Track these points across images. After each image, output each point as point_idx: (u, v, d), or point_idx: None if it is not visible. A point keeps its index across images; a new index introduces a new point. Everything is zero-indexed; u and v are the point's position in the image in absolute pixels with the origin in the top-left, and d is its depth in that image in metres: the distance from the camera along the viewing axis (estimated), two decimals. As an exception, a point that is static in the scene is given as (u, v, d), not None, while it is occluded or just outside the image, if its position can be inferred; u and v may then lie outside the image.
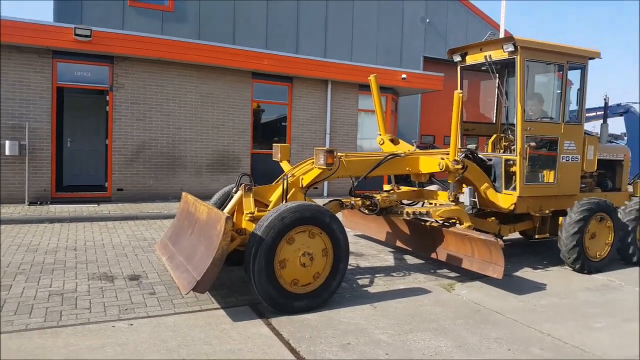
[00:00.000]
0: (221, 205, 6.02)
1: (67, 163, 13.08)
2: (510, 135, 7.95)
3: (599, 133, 8.80)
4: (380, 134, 7.83)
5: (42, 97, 10.98)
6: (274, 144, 6.85)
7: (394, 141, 7.73)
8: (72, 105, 13.20)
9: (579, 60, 7.44)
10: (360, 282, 6.20)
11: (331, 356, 4.01)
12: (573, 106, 8.05)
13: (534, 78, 7.63)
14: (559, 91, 7.56)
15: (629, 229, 7.48)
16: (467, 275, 6.58)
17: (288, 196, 5.78)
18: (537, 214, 7.28)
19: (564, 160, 7.29)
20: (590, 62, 7.57)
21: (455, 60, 8.01)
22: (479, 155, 7.37)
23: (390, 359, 4.02)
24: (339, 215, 6.71)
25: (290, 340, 4.29)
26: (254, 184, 5.90)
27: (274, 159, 6.80)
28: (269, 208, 5.67)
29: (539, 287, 6.30)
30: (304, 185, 6.01)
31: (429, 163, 6.73)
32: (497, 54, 7.23)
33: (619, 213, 7.49)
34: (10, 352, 3.82)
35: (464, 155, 7.03)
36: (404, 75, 15.62)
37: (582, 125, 7.61)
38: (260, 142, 13.96)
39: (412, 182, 7.47)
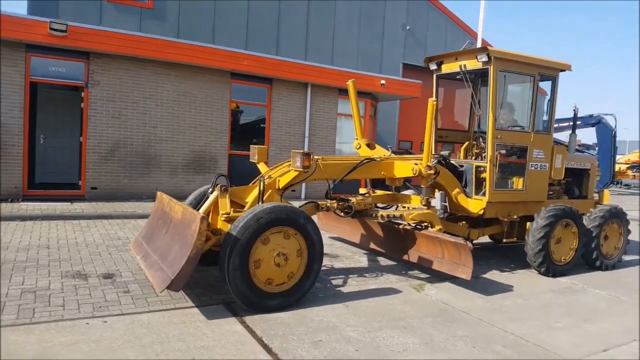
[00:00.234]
0: (197, 205, 6.07)
1: (39, 160, 12.89)
2: (481, 143, 8.18)
3: (568, 142, 9.10)
4: (357, 139, 7.97)
5: (14, 91, 10.82)
6: (251, 146, 6.92)
7: (370, 146, 7.88)
8: (46, 101, 13.02)
9: (550, 72, 7.71)
10: (334, 282, 6.32)
11: (303, 352, 4.12)
12: (545, 116, 8.33)
13: (507, 88, 7.87)
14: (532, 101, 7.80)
15: (593, 235, 7.75)
16: (437, 277, 6.76)
17: (264, 197, 5.86)
18: (506, 219, 7.53)
19: (532, 168, 7.54)
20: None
21: (432, 68, 8.22)
22: (451, 162, 7.58)
23: (360, 354, 4.15)
24: (315, 217, 6.82)
25: (263, 337, 4.38)
26: (231, 184, 5.97)
27: (251, 161, 6.87)
28: (245, 209, 5.74)
29: (505, 288, 6.51)
30: (281, 187, 6.11)
31: (403, 168, 6.90)
32: (472, 64, 7.44)
33: (584, 220, 7.77)
34: (-17, 347, 3.83)
35: (436, 161, 7.22)
36: (383, 81, 15.85)
37: (552, 134, 7.88)
38: (238, 143, 13.96)
39: (389, 186, 7.64)
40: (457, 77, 7.88)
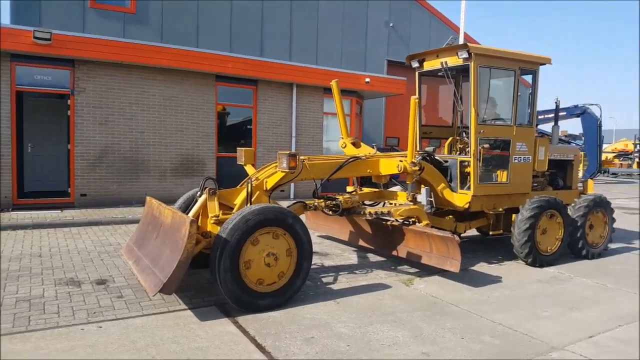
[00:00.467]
0: (186, 209, 6.14)
1: (28, 169, 12.86)
2: (465, 138, 8.31)
3: (551, 134, 9.27)
4: (342, 138, 8.07)
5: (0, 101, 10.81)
6: (237, 148, 6.99)
7: (355, 144, 7.98)
8: (32, 109, 13.00)
9: (530, 66, 7.85)
10: (324, 280, 6.42)
11: (295, 349, 4.21)
12: (528, 109, 8.47)
13: (489, 82, 8.00)
14: (519, 95, 7.94)
15: (578, 224, 7.90)
16: (426, 271, 6.88)
17: (252, 199, 5.95)
18: (491, 212, 7.67)
19: (516, 161, 7.68)
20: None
21: (414, 66, 8.34)
22: (436, 157, 7.71)
23: (351, 349, 4.25)
24: (303, 216, 6.91)
25: (256, 336, 4.47)
26: (219, 187, 6.05)
27: (238, 163, 6.94)
28: (233, 211, 5.82)
29: (493, 280, 6.65)
30: (268, 188, 6.19)
31: (389, 165, 7.02)
32: (453, 61, 7.57)
33: (568, 210, 7.92)
34: (-21, 357, 3.88)
35: (421, 157, 7.34)
36: (367, 79, 15.96)
37: (534, 127, 8.02)
38: (225, 145, 14.02)
39: (377, 184, 7.75)
40: (439, 74, 8.00)
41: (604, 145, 31.79)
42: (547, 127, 19.57)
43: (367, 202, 7.61)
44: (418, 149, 7.94)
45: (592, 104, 20.31)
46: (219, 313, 5.04)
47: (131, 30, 16.19)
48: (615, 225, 8.67)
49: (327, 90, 15.19)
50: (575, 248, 8.00)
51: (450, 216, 7.83)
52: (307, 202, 6.73)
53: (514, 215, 7.48)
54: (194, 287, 5.86)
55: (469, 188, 7.35)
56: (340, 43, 21.21)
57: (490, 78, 7.86)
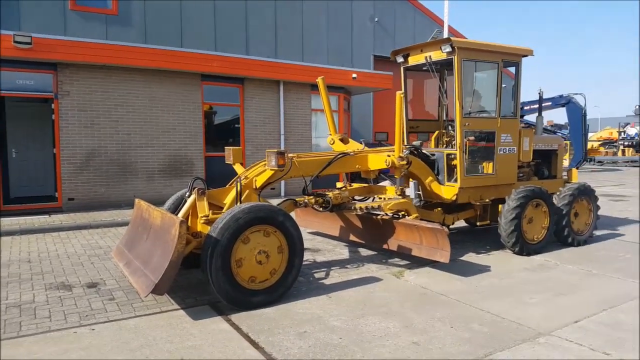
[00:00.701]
0: (175, 210, 6.15)
1: (13, 175, 12.79)
2: (451, 131, 8.39)
3: (535, 125, 9.39)
4: (330, 134, 8.11)
5: (-17, 107, 10.72)
6: (225, 147, 7.01)
7: (344, 140, 8.03)
8: (16, 115, 12.92)
9: (513, 58, 7.94)
10: (316, 275, 6.48)
11: (289, 344, 4.27)
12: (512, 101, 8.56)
13: (473, 75, 8.08)
14: (503, 86, 8.02)
15: (564, 212, 8.01)
16: (416, 263, 6.96)
17: (242, 198, 5.98)
18: (478, 203, 7.77)
19: (501, 152, 7.78)
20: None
21: (399, 61, 8.40)
22: (423, 151, 7.79)
23: (343, 341, 4.32)
24: (293, 214, 6.95)
25: (250, 333, 4.51)
26: (208, 187, 6.07)
27: (226, 162, 6.96)
28: (223, 210, 5.85)
29: (481, 269, 6.75)
30: (258, 187, 6.23)
31: (377, 160, 7.09)
32: (437, 55, 7.64)
33: (553, 199, 8.04)
34: (-27, 363, 3.89)
35: (408, 151, 7.41)
36: (354, 75, 16.01)
37: (518, 118, 8.12)
38: (214, 145, 14.00)
39: (366, 179, 7.82)
40: (424, 68, 8.07)
41: (589, 134, 32.12)
42: (533, 118, 19.78)
43: (357, 198, 7.68)
44: (405, 143, 8.02)
45: (577, 94, 20.55)
46: (212, 312, 5.08)
47: (114, 32, 16.07)
48: (600, 212, 8.81)
49: (315, 87, 15.12)
50: (561, 236, 8.11)
51: (439, 208, 7.91)
52: (297, 199, 6.77)
53: (500, 206, 7.58)
54: (185, 287, 5.88)
55: (456, 180, 7.44)
56: (326, 39, 21.23)
57: (475, 71, 7.95)
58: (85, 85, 11.86)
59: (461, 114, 7.28)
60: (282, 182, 14.09)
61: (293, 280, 5.54)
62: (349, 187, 7.61)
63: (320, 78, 7.84)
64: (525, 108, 20.73)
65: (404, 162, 6.87)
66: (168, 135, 13.08)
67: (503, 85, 7.82)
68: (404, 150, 7.18)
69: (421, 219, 6.96)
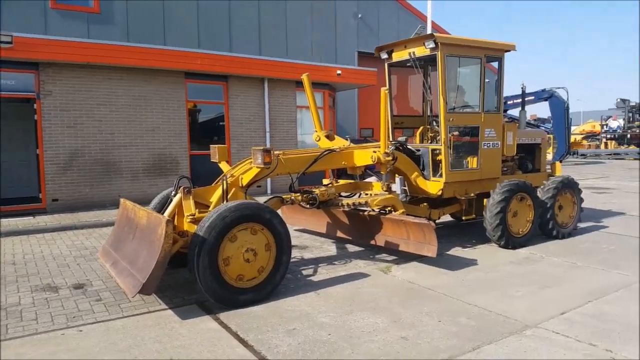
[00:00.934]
0: (161, 209, 6.12)
1: (-5, 176, 12.59)
2: (435, 127, 8.45)
3: (519, 119, 9.48)
4: (316, 131, 8.12)
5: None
6: (211, 146, 6.98)
7: (329, 137, 8.04)
8: (-3, 115, 12.70)
9: (496, 53, 8.01)
10: (304, 272, 6.49)
11: (278, 341, 4.28)
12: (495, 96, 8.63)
13: (457, 71, 8.14)
14: (487, 81, 8.08)
15: (548, 205, 8.10)
16: (404, 258, 7.01)
17: (228, 196, 5.97)
18: (464, 198, 7.84)
19: (485, 147, 7.85)
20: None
21: (383, 57, 8.42)
22: (408, 147, 7.83)
23: (332, 337, 4.34)
24: (280, 211, 6.95)
25: (239, 331, 4.52)
26: (194, 185, 6.04)
27: (212, 160, 6.94)
28: (210, 209, 5.83)
29: (467, 263, 6.81)
30: (244, 185, 6.22)
31: (363, 156, 7.11)
32: (420, 51, 7.68)
33: (538, 192, 8.13)
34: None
35: (394, 147, 7.45)
36: (339, 71, 16.02)
37: (501, 113, 8.19)
38: (199, 143, 13.92)
39: (353, 175, 7.85)
40: (408, 64, 8.11)
41: (572, 128, 32.49)
42: (516, 112, 19.98)
43: (343, 194, 7.69)
44: (391, 139, 8.06)
45: (559, 88, 20.76)
46: (200, 311, 5.07)
47: (96, 31, 15.87)
48: (583, 205, 8.91)
49: (300, 84, 15.13)
50: (545, 229, 8.20)
51: (425, 203, 7.97)
52: (284, 196, 6.77)
53: (485, 200, 7.65)
54: (173, 286, 5.86)
55: (441, 175, 7.50)
56: (310, 36, 21.20)
57: (458, 66, 8.01)
58: (68, 84, 11.72)
59: (445, 110, 7.33)
60: (268, 180, 14.05)
61: (281, 278, 5.54)
62: (335, 184, 7.64)
63: (305, 75, 7.84)
64: (509, 102, 20.91)
65: (390, 157, 6.91)
66: (152, 134, 12.98)
67: (486, 80, 7.89)
68: (390, 146, 7.23)
69: (408, 214, 7.01)
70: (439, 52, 7.27)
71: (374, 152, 6.93)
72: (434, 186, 7.56)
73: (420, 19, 23.92)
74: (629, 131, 40.07)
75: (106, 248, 6.32)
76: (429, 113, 9.03)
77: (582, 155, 35.39)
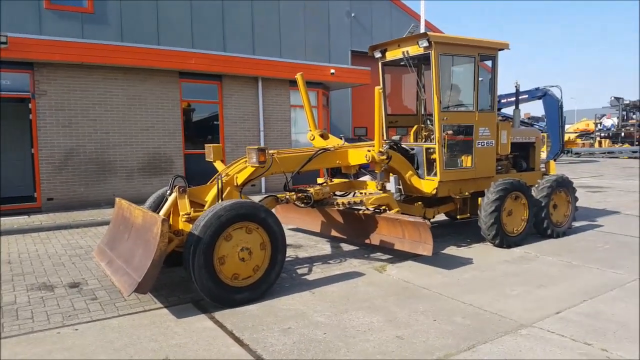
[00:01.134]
0: (156, 208, 6.12)
1: (-10, 175, 12.52)
2: (429, 125, 8.47)
3: (513, 117, 9.51)
4: (310, 130, 8.13)
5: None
6: (206, 145, 6.98)
7: (323, 136, 8.06)
8: (-8, 115, 12.64)
9: (489, 51, 8.03)
10: (299, 271, 6.50)
11: (273, 340, 4.29)
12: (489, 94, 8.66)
13: (450, 70, 8.16)
14: (480, 80, 8.11)
15: (542, 204, 8.12)
16: (398, 257, 7.03)
17: (223, 195, 5.97)
18: (458, 196, 7.86)
19: (479, 146, 7.88)
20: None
21: (376, 56, 8.44)
22: (403, 146, 7.86)
23: (327, 337, 4.35)
24: (274, 210, 6.96)
25: (234, 330, 4.53)
26: (189, 185, 6.05)
27: (207, 160, 6.94)
28: (205, 208, 5.83)
29: (462, 262, 6.83)
30: (239, 184, 6.23)
31: (357, 155, 7.13)
32: (414, 50, 7.69)
33: (532, 191, 8.16)
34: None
35: (388, 146, 7.47)
36: (332, 70, 16.03)
37: (495, 112, 8.22)
38: (193, 142, 13.92)
39: (347, 174, 7.86)
40: (402, 63, 8.13)
41: (566, 126, 32.64)
42: (510, 111, 20.07)
43: (338, 193, 7.71)
44: (385, 138, 8.08)
45: (553, 86, 20.86)
46: (195, 310, 5.08)
47: (90, 31, 15.82)
48: (578, 203, 8.94)
49: (293, 83, 15.20)
50: (540, 228, 8.22)
51: (419, 202, 7.99)
52: (278, 195, 6.79)
53: (480, 199, 7.67)
54: (168, 285, 5.86)
55: (435, 174, 7.52)
56: (304, 35, 21.18)
57: (452, 65, 8.03)
58: (63, 84, 11.70)
59: (439, 108, 7.36)
60: (263, 179, 14.06)
61: (276, 277, 5.56)
62: (329, 183, 7.65)
63: (299, 74, 7.85)
64: (503, 101, 20.99)
65: (384, 156, 6.93)
66: (147, 134, 12.96)
67: (480, 79, 7.91)
68: (384, 145, 7.24)
69: (402, 213, 7.03)
70: (433, 51, 7.29)
71: (369, 151, 6.95)
72: (428, 185, 7.59)
73: (414, 18, 23.94)
74: (623, 129, 40.27)
75: (101, 247, 6.32)
76: (423, 112, 9.06)
77: (576, 153, 35.53)
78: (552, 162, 9.73)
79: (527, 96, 21.99)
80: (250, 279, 5.33)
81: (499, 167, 8.55)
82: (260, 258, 5.42)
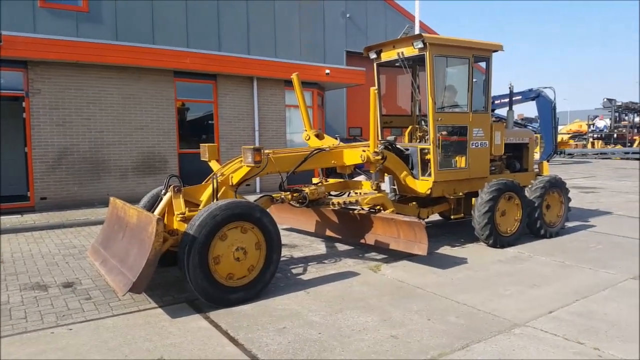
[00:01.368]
0: (151, 207, 6.11)
1: (-18, 174, 12.45)
2: (424, 126, 8.51)
3: (506, 119, 9.57)
4: (305, 130, 8.15)
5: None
6: (201, 144, 6.98)
7: (319, 136, 8.07)
8: (-16, 113, 12.57)
9: (483, 53, 8.08)
10: (294, 271, 6.51)
11: (268, 340, 4.30)
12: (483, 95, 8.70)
13: (445, 71, 8.20)
14: (475, 81, 8.15)
15: (536, 205, 8.17)
16: (393, 257, 7.06)
17: (219, 195, 5.97)
18: (452, 197, 7.90)
19: (473, 146, 7.92)
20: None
21: (371, 57, 8.47)
22: (397, 146, 7.88)
23: (322, 336, 4.37)
24: (269, 210, 6.97)
25: (229, 330, 4.53)
26: (183, 184, 6.04)
27: (202, 159, 6.94)
28: (200, 207, 5.83)
29: (456, 262, 6.86)
30: (234, 184, 6.23)
31: (352, 155, 7.15)
32: (409, 51, 7.73)
33: (525, 191, 8.21)
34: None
35: (383, 146, 7.49)
36: (327, 71, 16.05)
37: (489, 113, 8.26)
38: (188, 142, 13.90)
39: (342, 174, 7.88)
40: (397, 64, 8.16)
41: (559, 127, 32.82)
42: (504, 112, 20.16)
43: (333, 193, 7.73)
44: (380, 139, 8.10)
45: (546, 87, 20.98)
46: (190, 310, 5.08)
47: (85, 29, 15.76)
48: (571, 204, 9.00)
49: (288, 83, 15.17)
50: (533, 228, 8.27)
51: (414, 202, 8.02)
52: (273, 195, 6.80)
53: (473, 199, 7.71)
54: (163, 285, 5.86)
55: (429, 175, 7.56)
56: (299, 35, 21.18)
57: (446, 66, 8.07)
58: (57, 83, 11.65)
59: (434, 109, 7.39)
60: (258, 179, 14.04)
61: (271, 277, 5.56)
62: (325, 183, 7.66)
63: (295, 74, 7.86)
64: (496, 102, 21.09)
65: (379, 157, 6.96)
66: (141, 133, 12.93)
67: (474, 80, 7.95)
68: (379, 145, 7.26)
69: (397, 213, 7.05)
70: (428, 52, 7.32)
71: (364, 151, 6.97)
72: (422, 185, 7.62)
73: (408, 18, 23.99)
74: (616, 131, 40.56)
75: (95, 246, 6.30)
76: (417, 113, 9.09)
77: (569, 154, 35.73)
78: (545, 162, 9.79)
79: (520, 97, 22.12)
80: (245, 278, 5.34)
81: (493, 168, 8.59)
82: (255, 258, 5.42)
